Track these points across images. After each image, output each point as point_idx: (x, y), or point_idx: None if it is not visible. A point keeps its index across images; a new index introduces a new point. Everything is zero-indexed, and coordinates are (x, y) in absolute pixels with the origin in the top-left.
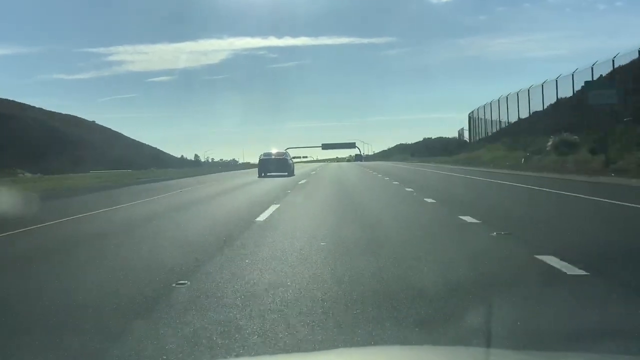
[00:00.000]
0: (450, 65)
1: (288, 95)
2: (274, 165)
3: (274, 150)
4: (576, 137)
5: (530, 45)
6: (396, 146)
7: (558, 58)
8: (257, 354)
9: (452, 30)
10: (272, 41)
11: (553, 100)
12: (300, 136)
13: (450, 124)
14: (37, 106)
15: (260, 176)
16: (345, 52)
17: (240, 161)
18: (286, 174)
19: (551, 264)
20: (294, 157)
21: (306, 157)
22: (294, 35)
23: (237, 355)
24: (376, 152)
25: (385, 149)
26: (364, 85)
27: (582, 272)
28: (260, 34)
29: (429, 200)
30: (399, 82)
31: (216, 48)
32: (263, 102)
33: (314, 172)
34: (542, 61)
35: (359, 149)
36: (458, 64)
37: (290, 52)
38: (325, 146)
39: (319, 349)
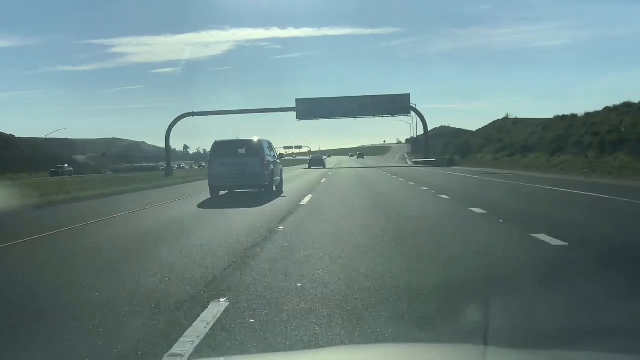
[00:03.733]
0: (452, 55)
1: (291, 85)
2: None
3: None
4: None
5: (533, 35)
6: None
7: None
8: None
9: (454, 21)
10: (275, 32)
11: None
12: (303, 126)
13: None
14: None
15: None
16: (349, 43)
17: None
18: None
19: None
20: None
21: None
22: (297, 26)
23: (236, 353)
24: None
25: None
26: (368, 76)
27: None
28: (262, 25)
29: None
30: (402, 72)
31: (218, 40)
32: (266, 93)
33: None
34: (543, 51)
35: (418, 113)
36: (460, 54)
37: (293, 43)
38: (303, 113)
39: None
